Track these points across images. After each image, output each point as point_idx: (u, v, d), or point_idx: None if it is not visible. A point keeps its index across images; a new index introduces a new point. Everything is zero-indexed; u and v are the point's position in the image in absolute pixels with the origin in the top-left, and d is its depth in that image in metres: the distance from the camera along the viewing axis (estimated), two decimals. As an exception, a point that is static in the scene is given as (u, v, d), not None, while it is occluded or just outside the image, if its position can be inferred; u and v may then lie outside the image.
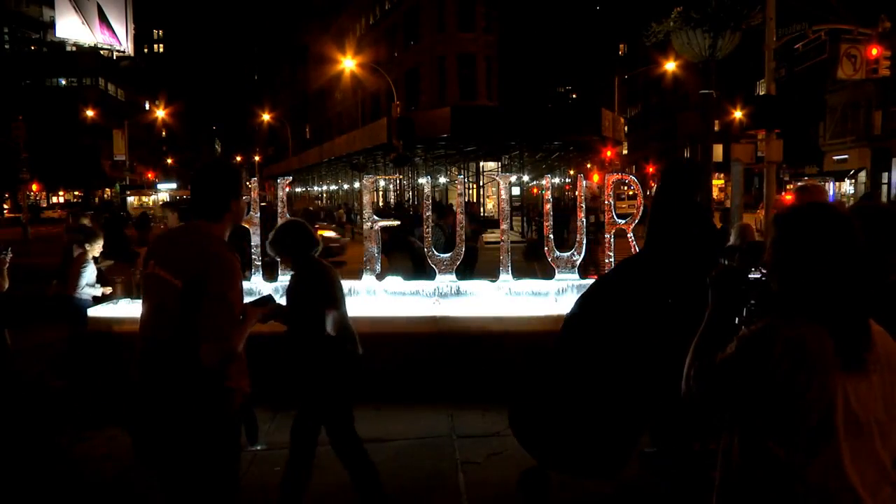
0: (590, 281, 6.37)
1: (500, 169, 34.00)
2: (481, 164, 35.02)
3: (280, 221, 6.56)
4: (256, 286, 6.57)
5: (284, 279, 6.33)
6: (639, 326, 3.79)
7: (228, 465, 2.80)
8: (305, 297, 3.84)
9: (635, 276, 4.08)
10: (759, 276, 2.08)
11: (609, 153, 36.27)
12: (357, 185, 33.84)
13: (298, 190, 58.67)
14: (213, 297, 2.60)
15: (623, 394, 3.81)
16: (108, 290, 7.11)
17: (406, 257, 8.66)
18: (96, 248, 7.06)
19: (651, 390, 3.80)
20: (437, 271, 6.77)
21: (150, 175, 68.43)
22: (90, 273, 6.94)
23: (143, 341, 2.76)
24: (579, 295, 4.66)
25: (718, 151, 41.29)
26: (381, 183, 41.82)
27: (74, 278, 6.84)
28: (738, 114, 38.80)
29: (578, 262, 6.73)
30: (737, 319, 2.08)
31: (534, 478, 4.12)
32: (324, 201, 53.08)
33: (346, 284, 6.73)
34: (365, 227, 6.78)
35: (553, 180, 32.28)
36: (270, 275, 6.93)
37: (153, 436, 2.72)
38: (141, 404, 2.72)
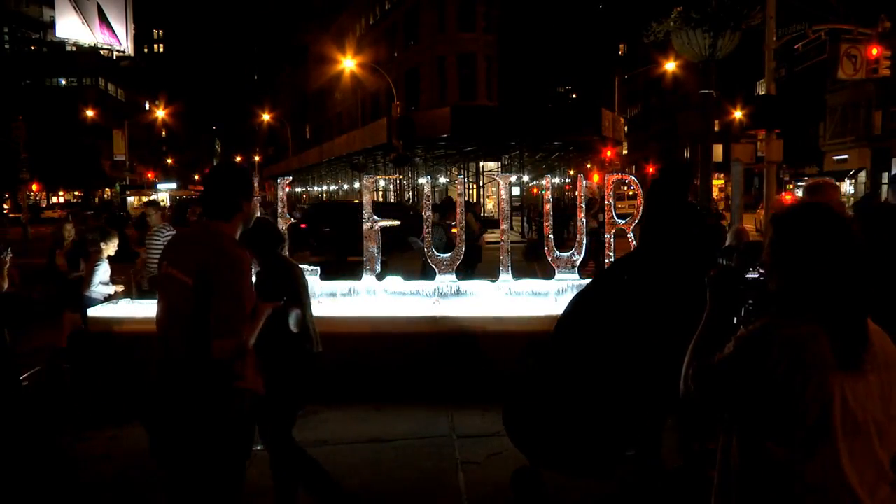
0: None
1: (500, 169, 34.00)
2: (481, 164, 35.03)
3: (280, 222, 6.61)
4: (256, 286, 6.58)
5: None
6: (632, 326, 3.79)
7: (235, 465, 2.83)
8: (270, 295, 3.87)
9: (629, 276, 4.08)
10: (756, 276, 2.09)
11: (609, 153, 36.32)
12: (357, 185, 33.84)
13: (298, 190, 58.67)
14: (223, 292, 2.64)
15: (616, 393, 3.81)
16: (121, 288, 7.21)
17: (414, 256, 8.66)
18: (111, 248, 7.16)
19: (644, 390, 3.81)
20: (437, 271, 6.78)
21: (150, 175, 68.38)
22: (104, 271, 7.03)
23: (159, 340, 2.81)
24: (574, 295, 4.68)
25: (718, 151, 41.41)
26: (381, 183, 41.86)
27: (88, 276, 6.95)
28: (738, 114, 38.81)
29: (578, 262, 6.74)
30: (735, 319, 2.08)
31: (526, 477, 4.13)
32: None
33: (346, 284, 6.81)
34: (365, 227, 6.79)
35: (553, 180, 32.31)
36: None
37: (166, 433, 2.76)
38: (156, 402, 2.77)
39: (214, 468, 2.73)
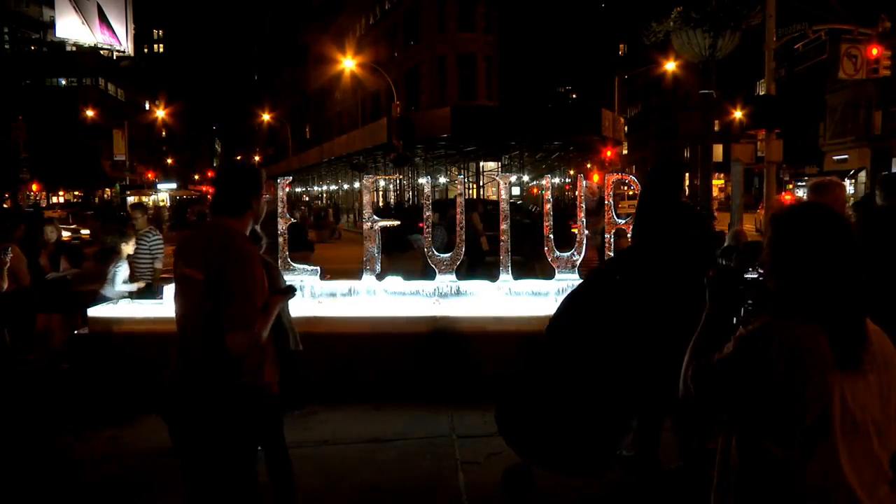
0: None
1: (500, 169, 34.00)
2: (481, 164, 35.04)
3: (280, 222, 6.61)
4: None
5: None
6: (624, 325, 3.79)
7: (246, 461, 2.87)
8: None
9: (621, 275, 4.08)
10: (756, 276, 2.09)
11: (609, 153, 36.27)
12: (357, 185, 33.86)
13: (298, 189, 58.66)
14: (234, 287, 2.69)
15: (607, 392, 3.81)
16: (142, 284, 7.28)
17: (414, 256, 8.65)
18: (130, 247, 7.22)
19: (636, 388, 3.81)
20: (437, 271, 6.78)
21: (150, 175, 68.35)
22: (124, 270, 7.08)
23: (178, 338, 2.88)
24: (566, 294, 4.69)
25: (718, 151, 41.44)
26: (381, 183, 41.82)
27: (109, 276, 7.01)
28: (738, 114, 38.83)
29: (578, 262, 6.74)
30: (735, 319, 2.08)
31: (518, 475, 4.14)
32: (323, 201, 53.05)
33: (345, 284, 6.81)
34: (365, 226, 6.79)
35: (553, 180, 32.31)
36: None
37: (182, 427, 2.82)
38: (174, 397, 2.82)
39: (226, 464, 2.78)
